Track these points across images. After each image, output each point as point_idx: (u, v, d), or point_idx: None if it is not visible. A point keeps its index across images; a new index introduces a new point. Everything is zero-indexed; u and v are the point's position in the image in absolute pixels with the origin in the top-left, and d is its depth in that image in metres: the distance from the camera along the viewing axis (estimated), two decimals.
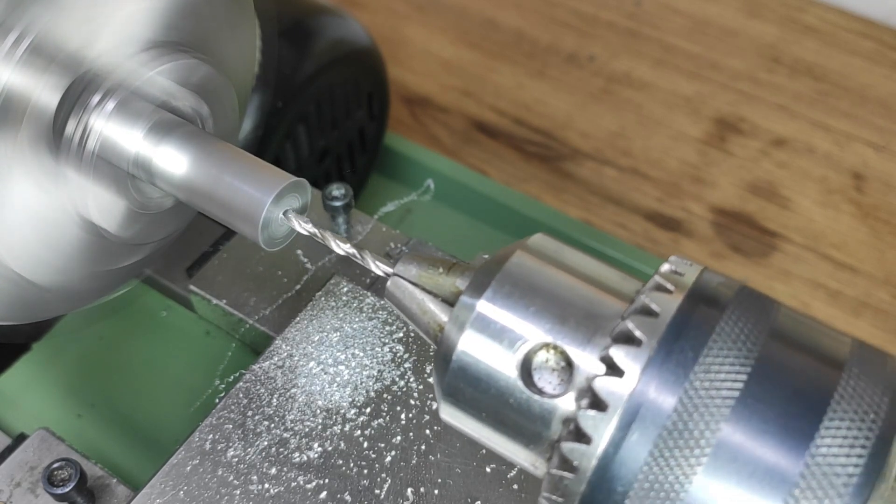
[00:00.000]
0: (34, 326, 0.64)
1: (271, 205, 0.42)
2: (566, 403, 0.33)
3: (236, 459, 0.48)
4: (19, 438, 0.52)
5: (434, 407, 0.51)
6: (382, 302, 0.55)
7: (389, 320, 0.54)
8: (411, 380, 0.52)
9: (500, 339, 0.34)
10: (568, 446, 0.32)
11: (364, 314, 0.54)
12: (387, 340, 0.53)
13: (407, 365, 0.52)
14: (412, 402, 0.51)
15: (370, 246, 0.60)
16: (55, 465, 0.47)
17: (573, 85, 1.04)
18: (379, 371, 0.52)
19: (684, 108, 1.01)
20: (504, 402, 0.34)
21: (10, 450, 0.52)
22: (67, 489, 0.47)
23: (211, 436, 0.49)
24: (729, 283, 0.34)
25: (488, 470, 0.48)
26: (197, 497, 0.47)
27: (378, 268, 0.40)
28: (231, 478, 0.48)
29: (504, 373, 0.34)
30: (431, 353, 0.53)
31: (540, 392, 0.33)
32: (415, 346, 0.53)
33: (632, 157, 0.97)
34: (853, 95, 1.01)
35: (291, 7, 0.73)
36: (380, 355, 0.53)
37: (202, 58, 0.47)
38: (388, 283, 0.39)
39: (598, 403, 0.31)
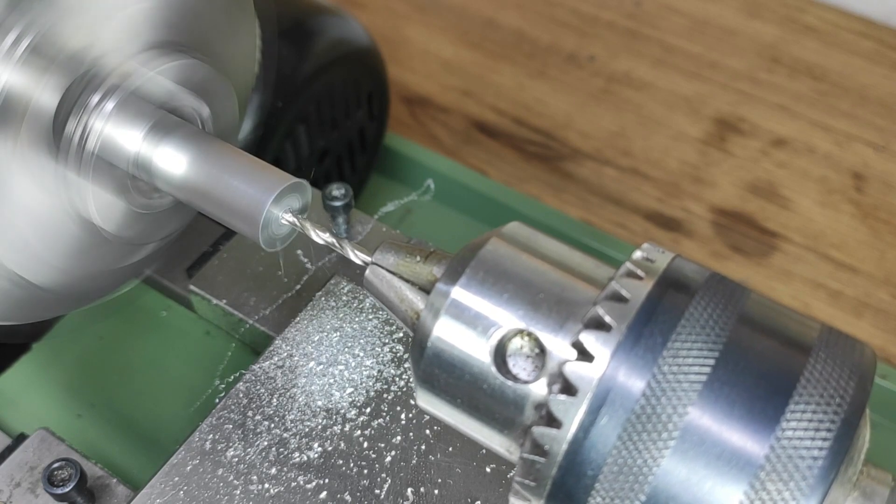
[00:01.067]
0: (34, 326, 0.64)
1: (272, 205, 0.42)
2: (539, 389, 0.33)
3: (236, 459, 0.48)
4: (19, 438, 0.52)
5: None
6: None
7: (389, 320, 0.54)
8: (411, 380, 0.52)
9: (474, 325, 0.34)
10: (539, 431, 0.32)
11: (364, 314, 0.54)
12: (387, 340, 0.53)
13: (407, 365, 0.52)
14: (412, 402, 0.51)
15: (370, 246, 0.60)
16: (55, 465, 0.47)
17: (573, 85, 1.04)
18: (379, 371, 0.52)
19: (684, 108, 1.01)
20: (478, 387, 0.34)
21: (10, 450, 0.52)
22: (67, 489, 0.47)
23: (211, 436, 0.49)
24: (699, 270, 0.35)
25: (488, 470, 0.48)
26: (197, 497, 0.47)
27: (356, 257, 0.41)
28: (231, 478, 0.48)
29: (478, 359, 0.34)
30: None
31: (514, 378, 0.33)
32: None
33: (632, 157, 0.97)
34: (853, 95, 1.01)
35: (291, 7, 0.73)
36: (380, 355, 0.53)
37: (202, 58, 0.47)
38: (367, 271, 0.39)
39: (568, 388, 0.32)
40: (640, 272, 0.33)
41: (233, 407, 0.51)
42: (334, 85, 0.74)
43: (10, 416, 0.61)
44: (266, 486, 0.47)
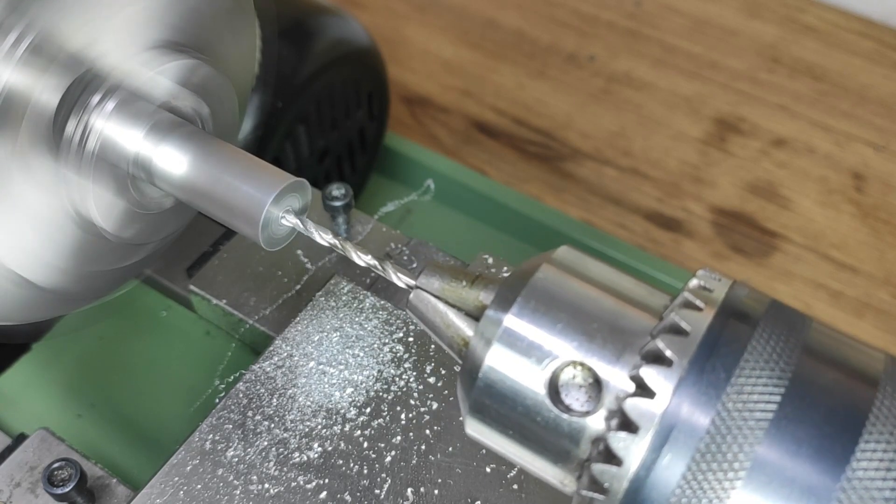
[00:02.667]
0: (34, 326, 0.63)
1: (271, 205, 0.42)
2: (595, 423, 0.32)
3: (236, 459, 0.48)
4: (19, 438, 0.52)
5: (434, 407, 0.51)
6: (382, 302, 0.55)
7: (389, 320, 0.54)
8: (411, 380, 0.52)
9: (528, 355, 0.33)
10: (598, 468, 0.31)
11: (364, 314, 0.54)
12: (387, 340, 0.53)
13: (407, 365, 0.52)
14: (412, 402, 0.51)
15: (370, 246, 0.60)
16: (55, 465, 0.47)
17: (573, 85, 1.04)
18: (379, 371, 0.52)
19: (684, 108, 1.01)
20: (531, 419, 0.33)
21: (10, 450, 0.52)
22: (67, 489, 0.47)
23: (211, 436, 0.49)
24: (759, 297, 0.33)
25: (488, 470, 0.48)
26: (197, 497, 0.47)
27: (400, 280, 0.40)
28: (231, 478, 0.48)
29: (532, 390, 0.33)
30: (430, 354, 0.53)
31: (567, 409, 0.32)
32: (415, 347, 0.53)
33: (632, 157, 0.97)
34: (853, 95, 1.01)
35: (291, 7, 0.73)
36: (380, 355, 0.53)
37: (202, 58, 0.47)
38: (411, 295, 0.38)
39: (628, 424, 0.31)
40: (698, 302, 0.32)
41: (233, 407, 0.51)
42: (334, 85, 0.74)
43: (10, 416, 0.61)
44: (266, 486, 0.47)
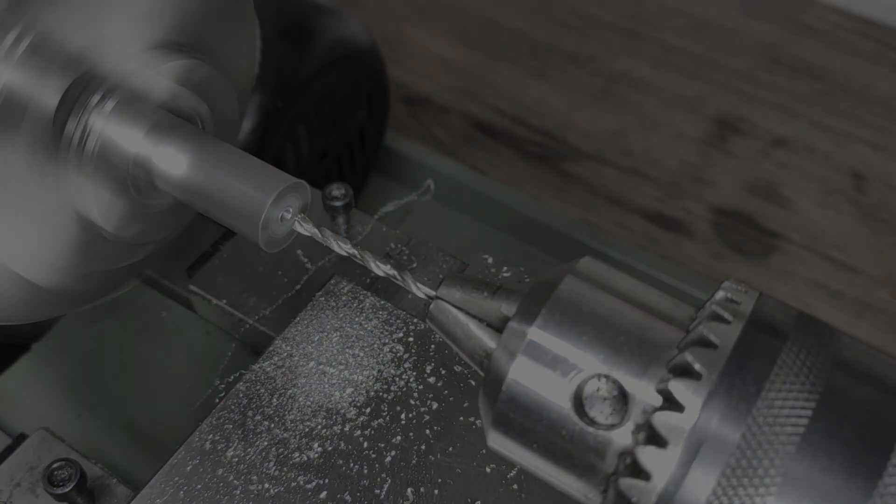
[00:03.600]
0: (34, 326, 0.64)
1: (271, 205, 0.42)
2: (622, 437, 0.32)
3: (236, 459, 0.48)
4: (19, 438, 0.52)
5: (434, 407, 0.51)
6: (382, 302, 0.55)
7: (389, 320, 0.54)
8: (411, 380, 0.52)
9: (553, 368, 0.33)
10: (626, 482, 0.31)
11: (364, 314, 0.54)
12: (387, 340, 0.53)
13: (407, 365, 0.52)
14: (412, 402, 0.51)
15: (370, 246, 0.60)
16: (55, 465, 0.47)
17: (573, 85, 1.04)
18: (379, 371, 0.52)
19: (684, 108, 1.01)
20: (556, 432, 0.33)
21: (10, 450, 0.52)
22: (67, 489, 0.47)
23: (211, 436, 0.49)
24: (786, 310, 0.33)
25: (488, 470, 0.48)
26: (197, 497, 0.47)
27: (420, 290, 0.39)
28: (231, 478, 0.48)
29: (557, 403, 0.33)
30: (430, 354, 0.53)
31: (592, 422, 0.32)
32: (415, 347, 0.53)
33: (632, 157, 0.97)
34: (853, 95, 1.01)
35: (291, 7, 0.73)
36: (380, 355, 0.53)
37: (202, 58, 0.47)
38: (431, 306, 0.38)
39: (656, 438, 0.30)
40: (726, 315, 0.32)
41: (233, 407, 0.51)
42: (334, 85, 0.74)
43: (10, 416, 0.61)
44: (266, 486, 0.47)
